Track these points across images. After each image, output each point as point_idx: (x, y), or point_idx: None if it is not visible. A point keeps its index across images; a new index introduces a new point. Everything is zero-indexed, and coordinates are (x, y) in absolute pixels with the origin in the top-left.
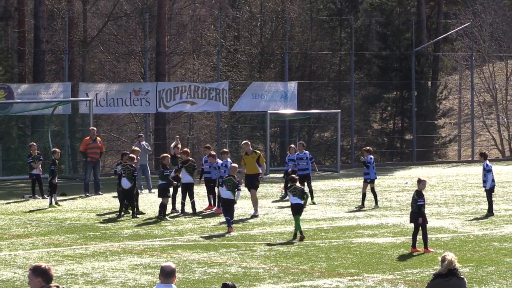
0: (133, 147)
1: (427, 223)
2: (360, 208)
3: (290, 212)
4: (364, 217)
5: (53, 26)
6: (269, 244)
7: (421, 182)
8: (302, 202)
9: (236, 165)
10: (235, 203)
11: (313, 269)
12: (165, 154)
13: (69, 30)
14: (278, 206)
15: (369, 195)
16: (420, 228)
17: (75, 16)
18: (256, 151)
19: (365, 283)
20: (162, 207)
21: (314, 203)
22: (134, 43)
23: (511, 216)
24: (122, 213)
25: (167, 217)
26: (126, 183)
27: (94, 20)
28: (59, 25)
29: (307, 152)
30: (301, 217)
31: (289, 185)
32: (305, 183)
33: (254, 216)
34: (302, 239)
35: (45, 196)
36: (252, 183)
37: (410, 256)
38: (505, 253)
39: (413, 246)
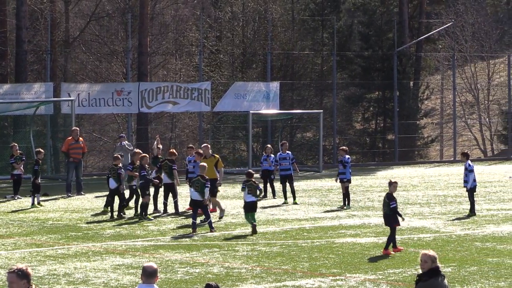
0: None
1: (398, 225)
2: (343, 207)
3: (274, 212)
4: (346, 217)
5: (35, 26)
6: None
7: (392, 185)
8: (255, 199)
9: (205, 164)
10: (206, 202)
11: (296, 269)
12: (143, 154)
13: (51, 30)
14: (260, 207)
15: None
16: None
17: (57, 16)
18: (215, 155)
19: (347, 283)
20: (143, 206)
21: (296, 203)
22: (116, 43)
23: (493, 216)
24: (121, 213)
25: (149, 217)
26: (112, 184)
27: (76, 20)
28: (41, 25)
29: (290, 152)
30: (283, 218)
31: (245, 179)
32: (287, 183)
33: (221, 216)
34: (254, 231)
35: (18, 196)
36: (211, 189)
37: (393, 256)
38: (487, 253)
39: (394, 246)
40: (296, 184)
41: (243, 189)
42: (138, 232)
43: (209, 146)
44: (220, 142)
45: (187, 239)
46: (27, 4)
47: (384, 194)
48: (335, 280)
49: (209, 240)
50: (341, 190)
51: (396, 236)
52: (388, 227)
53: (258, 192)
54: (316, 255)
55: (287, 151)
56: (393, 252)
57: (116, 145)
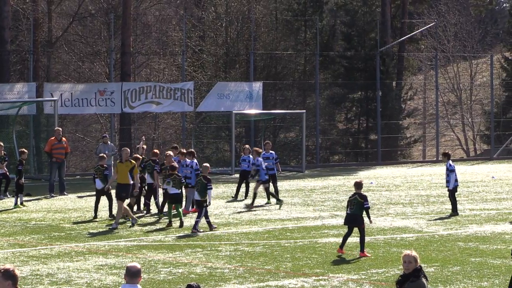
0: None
1: (361, 224)
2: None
3: (257, 212)
4: (329, 217)
5: (17, 26)
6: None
7: (357, 184)
8: (179, 191)
9: (207, 164)
10: (207, 204)
11: (279, 269)
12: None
13: (34, 30)
14: (245, 205)
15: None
16: (354, 230)
17: (40, 16)
18: (132, 160)
19: (330, 283)
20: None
21: (278, 203)
22: (99, 43)
23: (475, 216)
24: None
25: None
26: (98, 184)
27: (59, 20)
28: (24, 25)
29: (273, 152)
30: (266, 218)
31: (169, 173)
32: (271, 183)
33: (113, 228)
34: (181, 225)
35: (8, 195)
36: (120, 193)
37: (375, 256)
38: (470, 253)
39: (341, 247)
40: (279, 184)
41: (168, 183)
42: (121, 232)
43: (128, 150)
44: (203, 142)
45: (169, 239)
46: (9, 4)
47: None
48: (318, 280)
49: (192, 240)
50: (326, 190)
51: (379, 236)
52: (348, 227)
53: (181, 185)
54: (299, 255)
55: (271, 151)
56: (368, 255)
57: (98, 145)
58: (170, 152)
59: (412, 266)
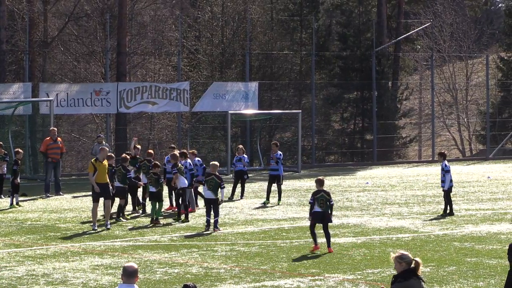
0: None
1: (331, 222)
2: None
3: (252, 212)
4: None
5: (13, 26)
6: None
7: (320, 182)
8: (155, 190)
9: (217, 162)
10: (220, 202)
11: (274, 269)
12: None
13: (30, 30)
14: (239, 207)
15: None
16: (321, 227)
17: (36, 16)
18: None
19: (326, 283)
20: (121, 207)
21: (279, 204)
22: (94, 43)
23: (471, 216)
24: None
25: (121, 218)
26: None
27: (54, 20)
28: (19, 25)
29: (280, 152)
30: (262, 218)
31: (150, 171)
32: (275, 184)
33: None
34: (156, 223)
35: (2, 196)
36: (105, 192)
37: (371, 256)
38: (466, 253)
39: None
40: (274, 184)
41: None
42: (116, 232)
43: (107, 150)
44: (199, 142)
45: (165, 239)
46: (5, 4)
47: (362, 194)
48: (314, 280)
49: (188, 240)
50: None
51: (375, 236)
52: (315, 224)
53: (159, 183)
54: (294, 255)
55: (278, 151)
56: (317, 251)
57: (94, 145)
58: (176, 152)
59: (400, 266)
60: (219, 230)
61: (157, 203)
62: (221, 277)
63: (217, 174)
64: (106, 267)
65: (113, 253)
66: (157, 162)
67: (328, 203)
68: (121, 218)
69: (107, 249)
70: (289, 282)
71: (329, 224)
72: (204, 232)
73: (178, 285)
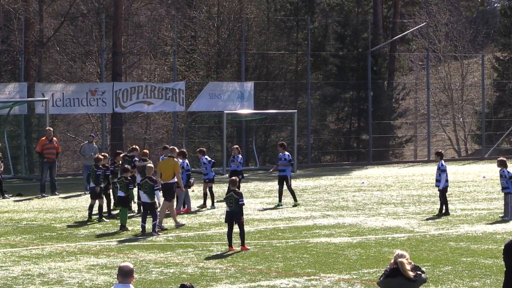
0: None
1: (243, 220)
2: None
3: (248, 212)
4: (320, 217)
5: (9, 26)
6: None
7: (233, 182)
8: (124, 195)
9: (151, 165)
10: (156, 205)
11: (270, 269)
12: (101, 156)
13: (25, 30)
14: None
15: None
16: (237, 226)
17: (31, 16)
18: None
19: (321, 282)
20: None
21: (296, 205)
22: (90, 43)
23: (467, 216)
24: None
25: (104, 219)
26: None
27: (50, 20)
28: (15, 25)
29: (287, 153)
30: (258, 217)
31: (119, 177)
32: (284, 185)
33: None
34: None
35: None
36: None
37: (367, 255)
38: (461, 252)
39: (230, 245)
40: (270, 184)
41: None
42: (112, 232)
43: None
44: (194, 142)
45: (160, 239)
46: (0, 4)
47: (358, 194)
48: (310, 280)
49: (184, 240)
50: (317, 190)
51: (370, 236)
52: (229, 224)
53: (128, 188)
54: (290, 255)
55: (285, 152)
56: (248, 248)
57: (83, 144)
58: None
59: (394, 265)
60: (158, 234)
61: (123, 209)
62: (217, 277)
63: (152, 177)
64: (101, 267)
65: (109, 253)
66: (127, 166)
67: (238, 202)
68: (103, 218)
69: (102, 249)
70: (284, 282)
71: (319, 223)
72: (139, 237)
73: (174, 285)
